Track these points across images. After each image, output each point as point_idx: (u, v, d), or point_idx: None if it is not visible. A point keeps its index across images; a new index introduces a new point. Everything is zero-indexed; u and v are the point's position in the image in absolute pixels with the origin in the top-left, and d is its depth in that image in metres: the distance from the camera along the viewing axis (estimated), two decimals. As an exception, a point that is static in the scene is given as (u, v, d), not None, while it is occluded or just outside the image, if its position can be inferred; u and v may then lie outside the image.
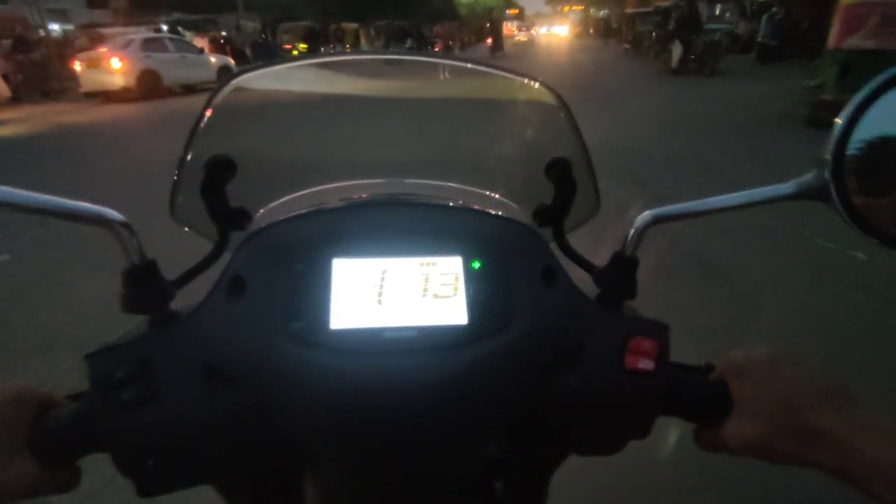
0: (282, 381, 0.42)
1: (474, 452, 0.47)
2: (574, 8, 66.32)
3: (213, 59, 15.40)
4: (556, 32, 61.72)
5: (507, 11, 61.63)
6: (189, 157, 0.50)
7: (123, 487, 0.52)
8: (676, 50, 14.11)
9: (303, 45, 24.25)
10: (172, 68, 13.81)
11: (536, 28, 62.32)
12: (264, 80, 0.56)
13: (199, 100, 0.53)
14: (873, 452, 0.39)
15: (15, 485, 0.40)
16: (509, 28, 54.26)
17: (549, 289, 0.47)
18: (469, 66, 0.58)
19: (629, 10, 28.03)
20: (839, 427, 0.41)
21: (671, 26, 14.80)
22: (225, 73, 13.77)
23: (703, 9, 16.17)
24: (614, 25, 39.98)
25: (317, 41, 24.98)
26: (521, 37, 47.88)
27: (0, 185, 0.41)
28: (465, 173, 0.64)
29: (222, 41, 18.88)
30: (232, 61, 16.11)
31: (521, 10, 67.91)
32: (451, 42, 31.00)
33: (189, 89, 14.32)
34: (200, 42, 17.03)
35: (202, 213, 0.47)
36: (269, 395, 0.42)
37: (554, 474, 0.58)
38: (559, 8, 74.66)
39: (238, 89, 0.53)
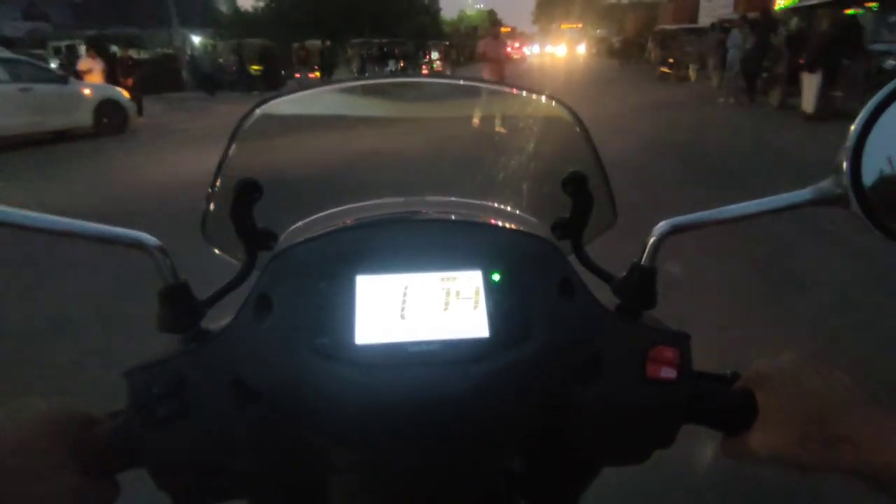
0: (308, 395, 0.43)
1: (497, 465, 0.47)
2: (573, 25, 60.49)
3: (86, 91, 9.72)
4: (552, 52, 54.89)
5: (499, 30, 57.54)
6: (218, 183, 0.52)
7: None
8: (812, 84, 8.64)
9: (255, 68, 19.32)
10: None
11: (528, 47, 56.31)
12: (287, 105, 0.59)
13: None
14: None
15: (57, 498, 0.41)
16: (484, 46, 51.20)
17: (568, 300, 0.48)
18: (490, 86, 0.63)
19: (665, 27, 23.46)
20: (868, 434, 0.41)
21: (778, 43, 9.89)
22: (111, 110, 9.94)
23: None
24: (616, 45, 35.90)
25: (274, 63, 19.87)
26: (514, 54, 45.13)
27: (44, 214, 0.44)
28: (485, 189, 0.65)
29: (130, 63, 13.22)
30: (125, 93, 10.30)
31: (513, 28, 63.46)
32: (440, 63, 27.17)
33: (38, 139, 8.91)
34: (88, 63, 11.15)
35: (230, 235, 0.49)
36: (296, 409, 0.43)
37: (584, 493, 0.57)
38: (553, 25, 67.39)
39: (264, 116, 0.55)
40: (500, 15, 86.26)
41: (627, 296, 0.51)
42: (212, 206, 0.53)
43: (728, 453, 0.50)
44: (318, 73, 22.03)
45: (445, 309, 0.45)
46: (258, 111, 0.55)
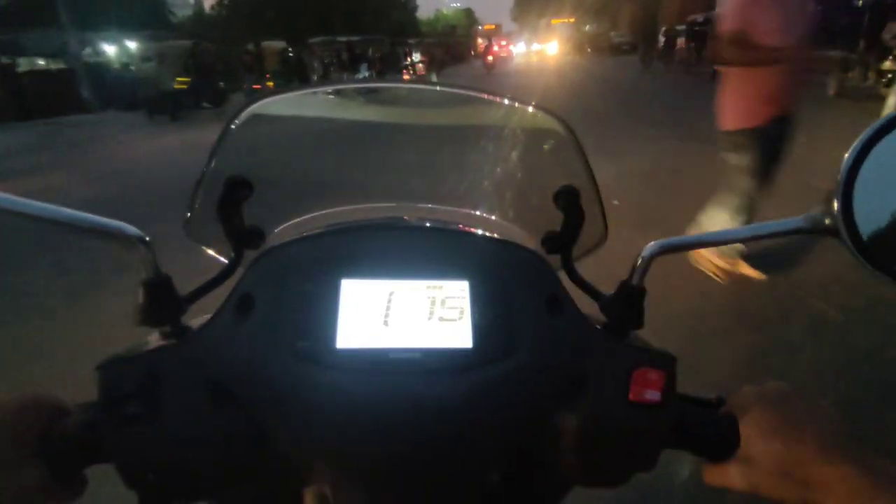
0: (285, 398, 0.42)
1: (476, 479, 0.47)
2: (564, 20, 51.56)
3: None
4: (540, 50, 47.87)
5: (481, 28, 52.39)
6: (206, 178, 0.52)
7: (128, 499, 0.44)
8: None
9: (181, 80, 13.94)
10: None
11: (511, 45, 50.29)
12: (280, 105, 0.58)
13: None
14: (884, 501, 0.39)
15: (21, 491, 0.40)
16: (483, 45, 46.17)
17: (554, 316, 0.47)
18: (485, 96, 0.60)
19: (696, 17, 17.92)
20: (849, 475, 0.40)
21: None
22: None
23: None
24: (616, 41, 32.15)
25: (209, 71, 14.52)
26: (501, 52, 41.33)
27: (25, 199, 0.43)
28: (475, 199, 0.65)
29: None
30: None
31: (498, 26, 58.46)
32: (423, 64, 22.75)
33: None
34: None
35: (216, 231, 0.48)
36: (271, 412, 0.43)
37: None
38: (539, 21, 58.39)
39: (256, 115, 0.55)
40: (478, 13, 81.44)
41: (615, 315, 0.51)
42: (198, 201, 0.53)
43: (710, 480, 0.49)
44: (270, 83, 16.62)
45: (430, 318, 0.45)
46: (248, 111, 0.55)
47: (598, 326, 0.51)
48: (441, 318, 0.45)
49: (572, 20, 51.02)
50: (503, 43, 47.52)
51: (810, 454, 0.42)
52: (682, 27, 19.47)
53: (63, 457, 0.43)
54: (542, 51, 45.22)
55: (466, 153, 0.69)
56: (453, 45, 41.60)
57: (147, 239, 0.45)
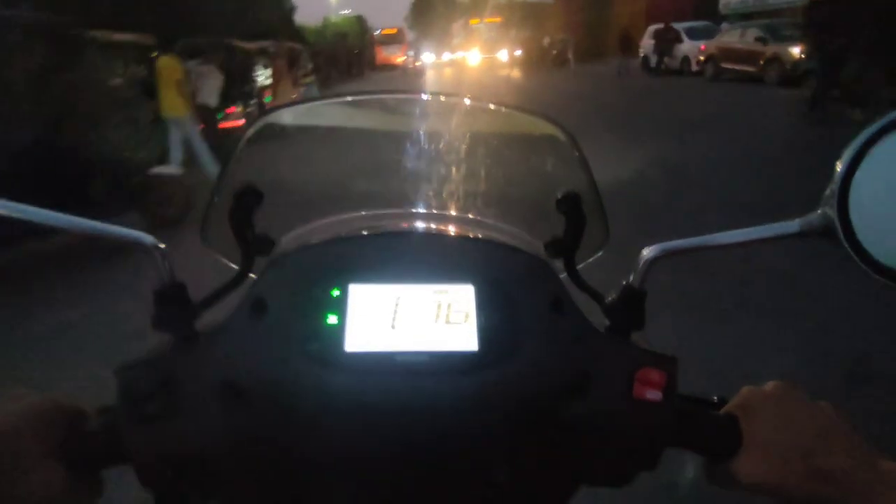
0: (295, 399, 0.43)
1: (482, 480, 0.48)
2: (491, 20, 36.58)
3: None
4: (453, 60, 38.27)
5: (379, 32, 42.68)
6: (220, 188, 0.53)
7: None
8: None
9: None
10: None
11: (417, 56, 37.66)
12: (293, 115, 0.63)
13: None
14: (880, 496, 0.39)
15: (41, 492, 0.41)
16: (384, 55, 35.90)
17: (558, 318, 0.48)
18: (491, 106, 0.62)
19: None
20: (851, 470, 0.41)
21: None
22: None
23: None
24: (561, 47, 24.76)
25: None
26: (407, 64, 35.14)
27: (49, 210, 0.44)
28: (479, 205, 0.66)
29: None
30: None
31: (401, 29, 47.67)
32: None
33: None
34: None
35: (229, 239, 0.50)
36: (284, 412, 0.44)
37: None
38: (458, 23, 44.09)
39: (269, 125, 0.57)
40: (371, 21, 71.51)
41: (617, 316, 0.52)
42: (213, 210, 0.55)
43: (711, 479, 0.50)
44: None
45: (436, 321, 0.46)
46: (263, 120, 0.58)
47: (601, 328, 0.52)
48: (447, 322, 0.46)
49: (499, 20, 36.81)
50: (410, 54, 37.96)
51: (811, 450, 0.43)
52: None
53: (82, 458, 0.44)
54: (458, 61, 35.37)
55: (466, 160, 0.68)
56: (342, 56, 31.61)
57: (162, 247, 0.47)
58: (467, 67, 31.97)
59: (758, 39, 14.15)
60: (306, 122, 0.66)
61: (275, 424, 0.44)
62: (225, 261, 0.56)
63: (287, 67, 12.81)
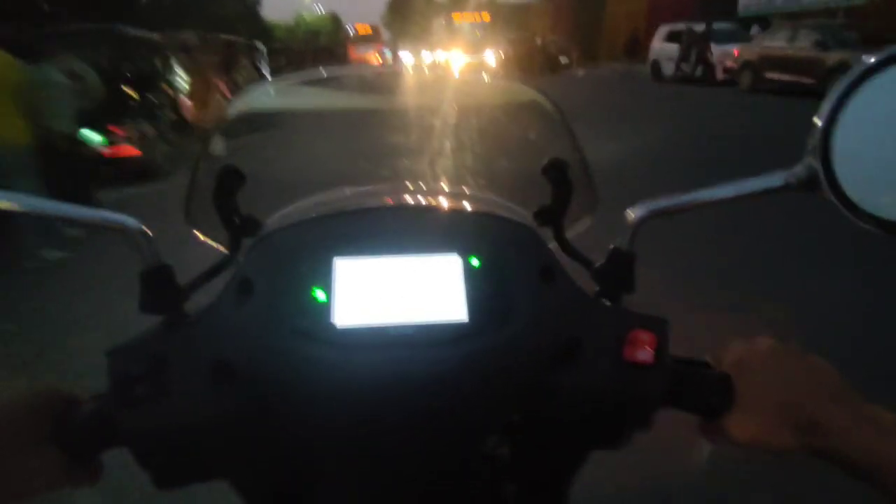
0: (288, 376, 0.43)
1: (479, 449, 0.48)
2: (476, 17, 32.01)
3: None
4: (434, 62, 33.78)
5: (355, 32, 39.30)
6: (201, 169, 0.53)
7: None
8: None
9: None
10: None
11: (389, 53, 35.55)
12: (270, 96, 0.61)
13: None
14: (873, 443, 0.40)
15: (39, 477, 0.42)
16: (358, 54, 32.71)
17: (547, 285, 0.48)
18: (471, 79, 0.60)
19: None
20: (840, 418, 0.42)
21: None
22: None
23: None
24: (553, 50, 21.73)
25: None
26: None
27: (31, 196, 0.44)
28: (466, 176, 0.65)
29: None
30: None
31: (376, 28, 43.87)
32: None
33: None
34: None
35: (215, 222, 0.50)
36: (275, 389, 0.44)
37: (574, 478, 0.56)
38: (438, 22, 38.15)
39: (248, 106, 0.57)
40: (344, 19, 68.18)
41: (607, 281, 0.52)
42: (194, 190, 0.54)
43: (706, 437, 0.50)
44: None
45: (424, 292, 0.46)
46: (242, 99, 0.58)
47: (592, 293, 0.52)
48: (436, 293, 0.45)
49: (486, 17, 32.05)
50: (386, 52, 34.42)
51: (801, 401, 0.44)
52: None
53: (77, 441, 0.44)
54: (440, 64, 32.11)
55: (454, 133, 0.67)
56: (313, 55, 28.53)
57: (147, 231, 0.47)
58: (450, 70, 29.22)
59: (817, 44, 11.47)
60: (287, 104, 0.66)
61: (267, 402, 0.44)
62: (212, 243, 0.55)
63: (220, 68, 9.57)
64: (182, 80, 8.19)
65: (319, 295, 0.44)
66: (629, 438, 0.51)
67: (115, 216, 0.46)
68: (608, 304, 0.51)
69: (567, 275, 0.49)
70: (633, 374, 0.47)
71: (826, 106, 0.44)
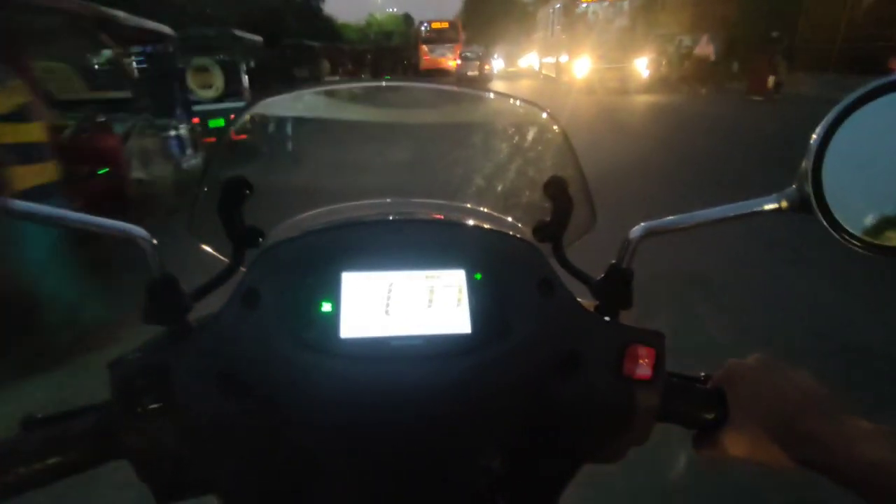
0: (293, 387, 0.43)
1: (478, 460, 0.48)
2: None
3: None
4: (567, 67, 19.88)
5: (427, 27, 29.31)
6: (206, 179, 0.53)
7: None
8: None
9: None
10: None
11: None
12: (282, 106, 0.60)
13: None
14: (859, 452, 0.41)
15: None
16: (430, 58, 25.35)
17: (547, 299, 0.49)
18: (483, 95, 0.62)
19: None
20: (827, 430, 0.43)
21: None
22: None
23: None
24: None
25: None
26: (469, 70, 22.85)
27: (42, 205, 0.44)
28: (469, 193, 0.66)
29: None
30: None
31: (455, 23, 27.13)
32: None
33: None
34: None
35: (219, 232, 0.50)
36: (280, 400, 0.44)
37: (563, 492, 0.58)
38: (551, 6, 26.69)
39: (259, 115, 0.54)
40: (417, 19, 62.66)
41: (605, 296, 0.53)
42: (200, 201, 0.54)
43: (700, 451, 0.51)
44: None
45: (429, 306, 0.47)
46: (251, 110, 0.57)
47: (590, 308, 0.52)
48: (440, 306, 0.47)
49: None
50: (468, 55, 25.20)
51: (791, 414, 0.45)
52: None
53: (75, 454, 0.43)
54: (548, 74, 22.96)
55: (458, 149, 0.67)
56: (380, 57, 24.99)
57: (153, 240, 0.47)
58: (573, 83, 18.10)
59: None
60: (298, 114, 0.65)
61: (272, 413, 0.44)
62: (215, 253, 0.55)
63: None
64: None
65: (326, 307, 0.46)
66: (624, 452, 0.51)
67: (123, 225, 0.46)
68: (607, 319, 0.52)
69: (566, 290, 0.50)
70: (631, 389, 0.48)
71: (819, 131, 0.45)
